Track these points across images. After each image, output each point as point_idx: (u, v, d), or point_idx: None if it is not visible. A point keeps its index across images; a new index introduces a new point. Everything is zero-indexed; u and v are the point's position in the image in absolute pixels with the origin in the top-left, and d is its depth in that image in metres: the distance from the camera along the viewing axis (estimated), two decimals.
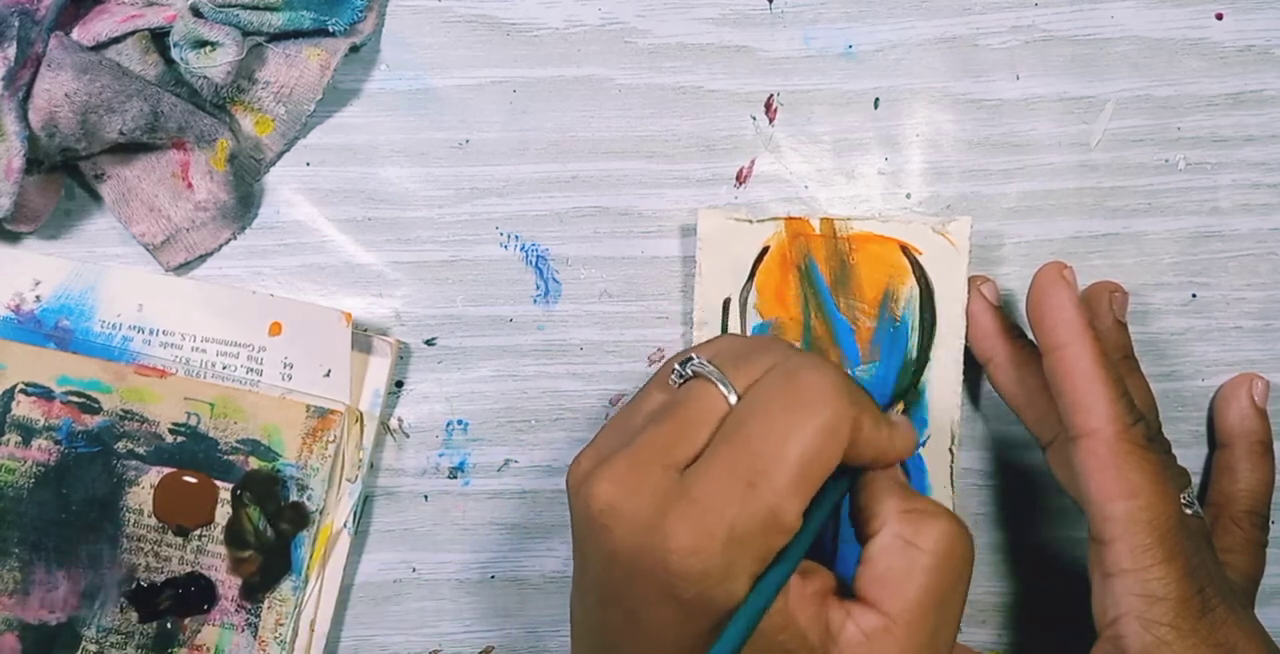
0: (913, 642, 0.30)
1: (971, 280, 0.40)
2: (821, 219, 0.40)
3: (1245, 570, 0.39)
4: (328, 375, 0.40)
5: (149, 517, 0.40)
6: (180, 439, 0.40)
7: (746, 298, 0.41)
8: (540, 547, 0.42)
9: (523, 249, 0.42)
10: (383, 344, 0.41)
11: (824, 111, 0.42)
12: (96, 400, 0.40)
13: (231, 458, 0.40)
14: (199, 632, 0.40)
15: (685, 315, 0.42)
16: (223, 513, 0.40)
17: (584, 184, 0.42)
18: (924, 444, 0.40)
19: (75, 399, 0.40)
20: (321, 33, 0.41)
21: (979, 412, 0.42)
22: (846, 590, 0.32)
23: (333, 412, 0.40)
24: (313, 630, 0.41)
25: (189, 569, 0.41)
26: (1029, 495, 0.42)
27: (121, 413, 0.40)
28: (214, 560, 0.41)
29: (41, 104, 0.38)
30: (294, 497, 0.41)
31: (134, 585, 0.40)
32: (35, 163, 0.39)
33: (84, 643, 0.40)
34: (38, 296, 0.41)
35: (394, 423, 0.42)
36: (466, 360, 0.42)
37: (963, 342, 0.40)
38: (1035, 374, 0.39)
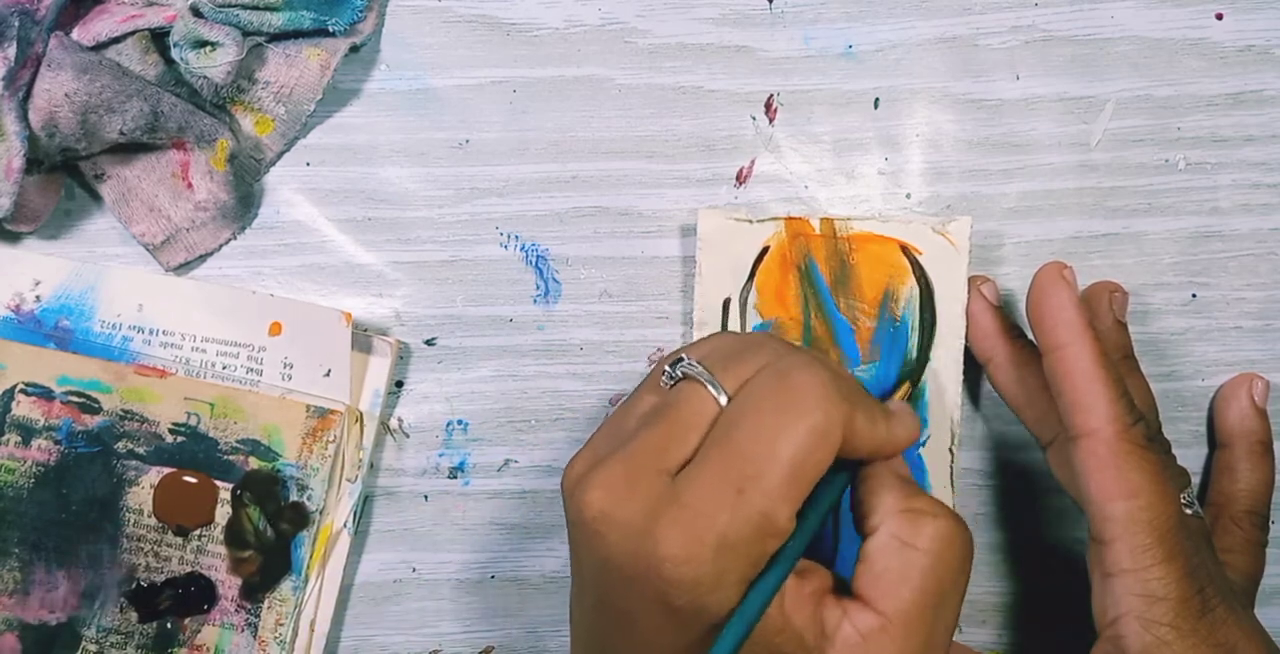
0: (909, 642, 0.30)
1: (971, 280, 0.40)
2: (821, 219, 0.40)
3: (1245, 570, 0.39)
4: (328, 375, 0.40)
5: (149, 517, 0.40)
6: (180, 439, 0.40)
7: (746, 298, 0.41)
8: (540, 547, 0.42)
9: (523, 249, 0.42)
10: (383, 344, 0.41)
11: (824, 111, 0.42)
12: (96, 400, 0.40)
13: (231, 458, 0.40)
14: (199, 632, 0.40)
15: (685, 315, 0.42)
16: (223, 513, 0.40)
17: (584, 184, 0.42)
18: (924, 444, 0.40)
19: (75, 399, 0.40)
20: (321, 33, 0.41)
21: (979, 412, 0.42)
22: (844, 589, 0.32)
23: (333, 412, 0.40)
24: (313, 630, 0.41)
25: (189, 569, 0.41)
26: (1029, 495, 0.42)
27: (121, 413, 0.40)
28: (214, 560, 0.41)
29: (41, 104, 0.38)
30: (294, 497, 0.41)
31: (134, 585, 0.40)
32: (35, 163, 0.39)
33: (84, 643, 0.40)
34: (38, 296, 0.41)
35: (394, 423, 0.42)
36: (466, 360, 0.42)
37: (963, 341, 0.40)
38: (1035, 374, 0.39)
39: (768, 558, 0.30)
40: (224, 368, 0.41)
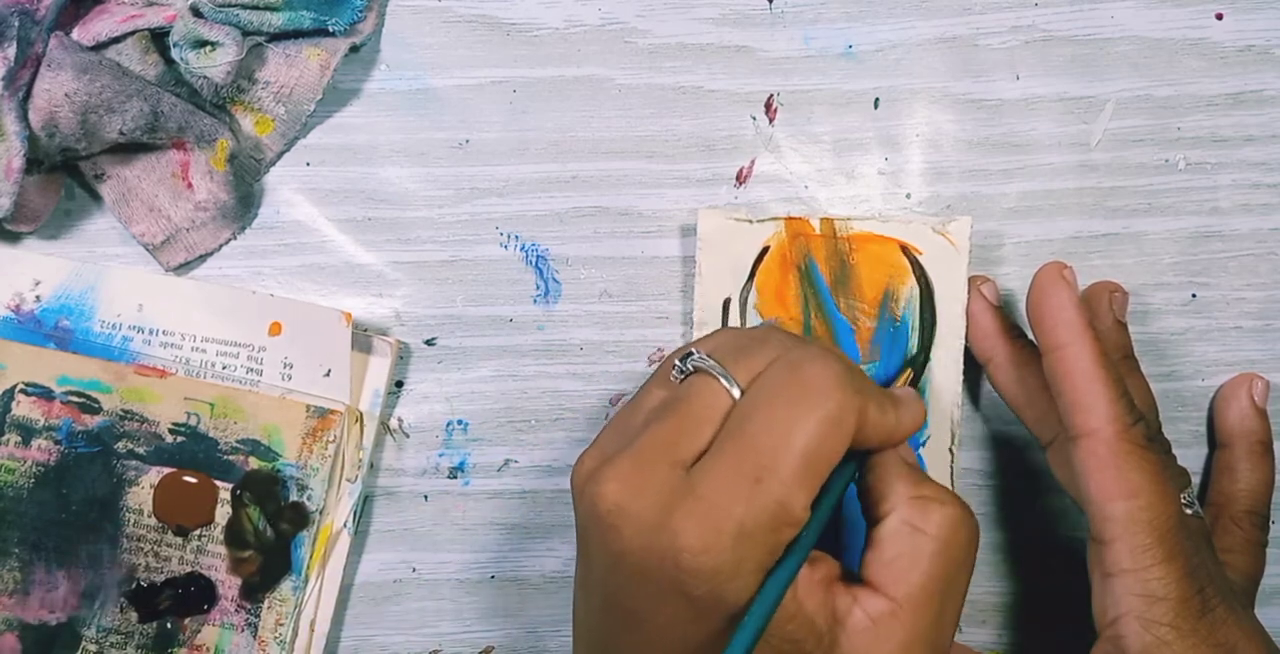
0: (918, 626, 0.31)
1: (971, 280, 0.40)
2: (821, 219, 0.40)
3: (1245, 570, 0.39)
4: (328, 375, 0.40)
5: (149, 517, 0.40)
6: (180, 439, 0.40)
7: (746, 298, 0.41)
8: (540, 547, 0.42)
9: (523, 249, 0.42)
10: (383, 344, 0.41)
11: (824, 111, 0.42)
12: (96, 400, 0.40)
13: (231, 458, 0.40)
14: (199, 632, 0.40)
15: (685, 315, 0.42)
16: (223, 513, 0.40)
17: (584, 184, 0.42)
18: (924, 444, 0.40)
19: (75, 399, 0.40)
20: (321, 33, 0.41)
21: (979, 412, 0.42)
22: (850, 577, 0.32)
23: (333, 412, 0.40)
24: (313, 630, 0.41)
25: (189, 569, 0.41)
26: (1029, 495, 0.42)
27: (121, 413, 0.40)
28: (214, 560, 0.41)
29: (41, 104, 0.38)
30: (294, 497, 0.41)
31: (134, 585, 0.40)
32: (35, 163, 0.39)
33: (84, 643, 0.40)
34: (38, 296, 0.41)
35: (394, 423, 0.42)
36: (466, 360, 0.42)
37: (963, 341, 0.40)
38: (1035, 374, 0.39)
39: (783, 547, 0.30)
40: (224, 368, 0.41)
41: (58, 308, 0.41)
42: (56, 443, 0.40)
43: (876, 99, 0.42)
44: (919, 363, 0.40)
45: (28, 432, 0.40)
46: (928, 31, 0.42)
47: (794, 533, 0.30)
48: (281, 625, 0.41)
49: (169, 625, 0.40)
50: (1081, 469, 0.34)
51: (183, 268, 0.42)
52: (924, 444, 0.40)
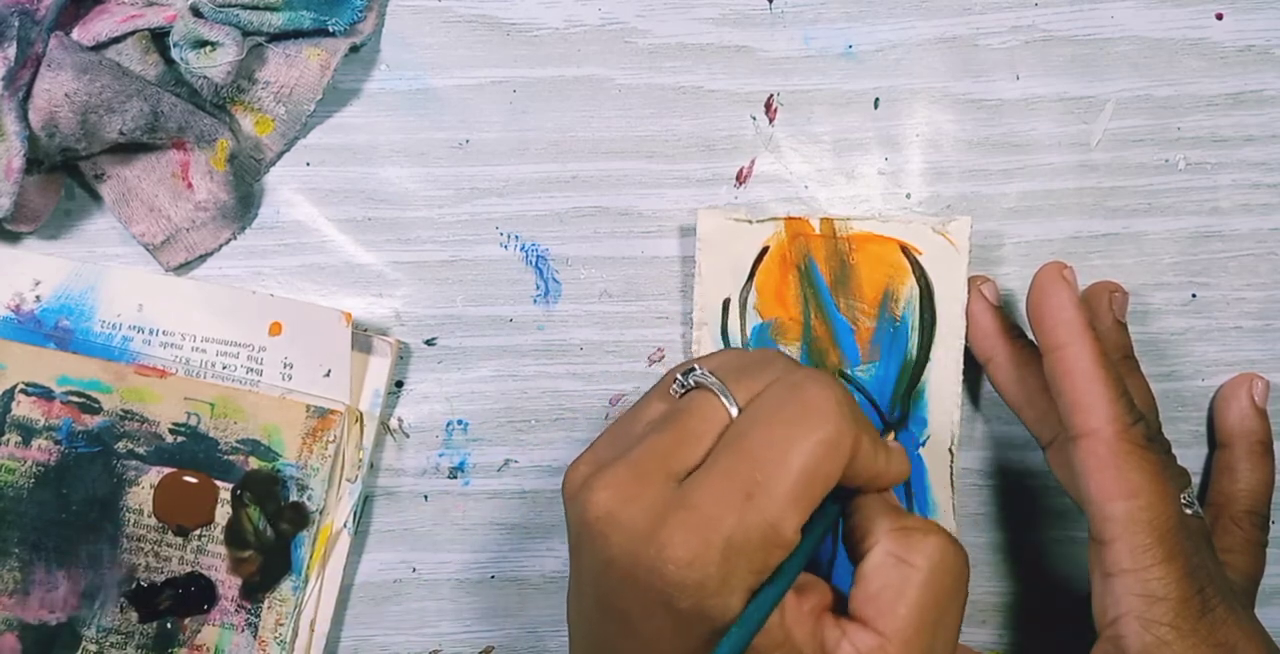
0: None
1: (971, 280, 0.40)
2: (821, 219, 0.40)
3: (1245, 570, 0.39)
4: (328, 375, 0.40)
5: (149, 517, 0.40)
6: (180, 439, 0.40)
7: (746, 298, 0.41)
8: (540, 547, 0.42)
9: (523, 249, 0.42)
10: (383, 344, 0.41)
11: (824, 111, 0.42)
12: (96, 400, 0.40)
13: (231, 458, 0.40)
14: (199, 632, 0.40)
15: (685, 315, 0.42)
16: (223, 513, 0.40)
17: (584, 184, 0.42)
18: (924, 444, 0.40)
19: (75, 399, 0.40)
20: (321, 33, 0.41)
21: (979, 412, 0.42)
22: (844, 606, 0.32)
23: (333, 412, 0.40)
24: (313, 630, 0.41)
25: (189, 569, 0.41)
26: (1029, 495, 0.42)
27: (121, 413, 0.40)
28: (214, 560, 0.41)
29: (41, 104, 0.38)
30: (294, 497, 0.41)
31: (134, 585, 0.40)
32: (35, 163, 0.39)
33: (84, 643, 0.40)
34: (38, 296, 0.41)
35: (394, 423, 0.42)
36: (466, 360, 0.42)
37: (963, 341, 0.40)
38: (1035, 374, 0.39)
39: (772, 569, 0.30)
40: (224, 368, 0.41)
41: (58, 308, 0.41)
42: (56, 443, 0.40)
43: (876, 99, 0.42)
44: (919, 364, 0.40)
45: (28, 432, 0.40)
46: (928, 31, 0.42)
47: (783, 555, 0.30)
48: (281, 625, 0.41)
49: (169, 625, 0.40)
50: (1081, 469, 0.34)
51: (183, 268, 0.42)
52: (924, 444, 0.40)
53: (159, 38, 0.40)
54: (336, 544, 0.41)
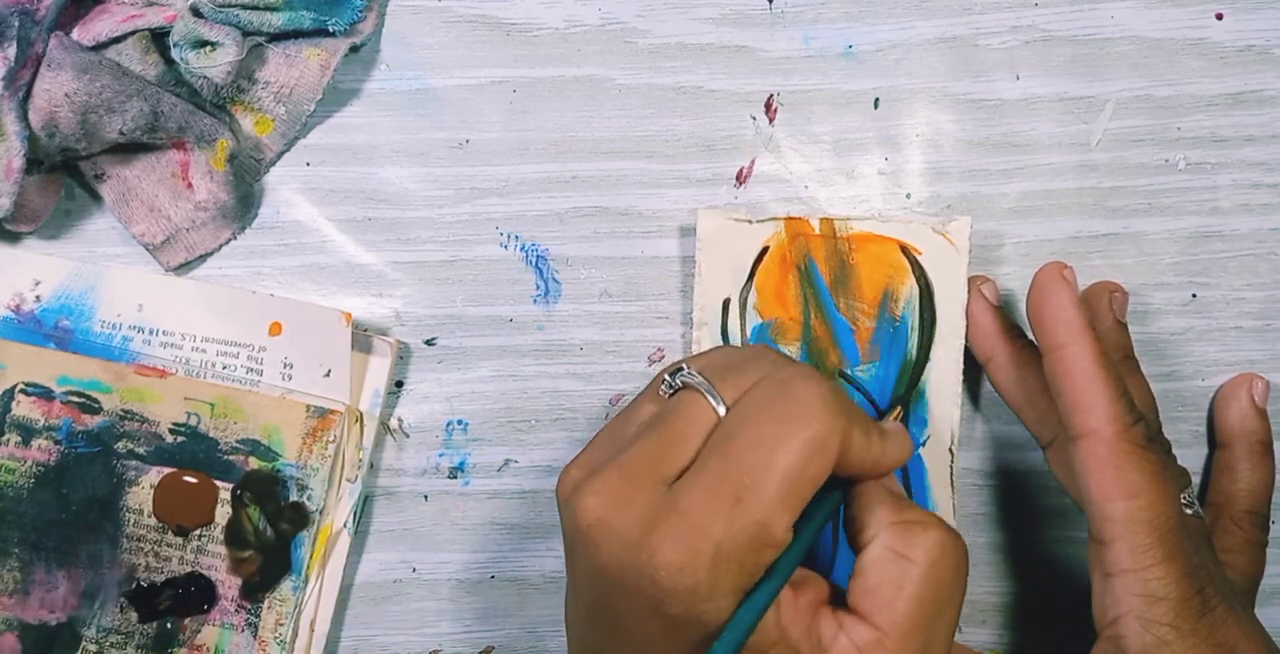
0: None
1: (971, 280, 0.40)
2: (821, 219, 0.40)
3: (1245, 570, 0.39)
4: (328, 375, 0.40)
5: (149, 517, 0.40)
6: (180, 439, 0.40)
7: (746, 298, 0.41)
8: (540, 547, 0.42)
9: (523, 249, 0.42)
10: (383, 344, 0.41)
11: (824, 111, 0.42)
12: (96, 400, 0.40)
13: (231, 458, 0.40)
14: (199, 632, 0.40)
15: (685, 315, 0.42)
16: (223, 513, 0.40)
17: (584, 184, 0.42)
18: (924, 444, 0.40)
19: (75, 399, 0.40)
20: (321, 33, 0.41)
21: (979, 412, 0.42)
22: (843, 598, 0.32)
23: (333, 412, 0.40)
24: (313, 630, 0.41)
25: (189, 569, 0.41)
26: (1029, 495, 0.42)
27: (121, 413, 0.40)
28: (214, 560, 0.41)
29: (41, 104, 0.38)
30: (294, 497, 0.41)
31: (134, 585, 0.40)
32: (35, 163, 0.39)
33: (84, 643, 0.40)
34: (38, 296, 0.41)
35: (394, 423, 0.42)
36: (466, 360, 0.42)
37: (963, 341, 0.40)
38: (1035, 374, 0.39)
39: (764, 569, 0.30)
40: (224, 368, 0.41)
41: (58, 308, 0.41)
42: (56, 443, 0.40)
43: (876, 99, 0.42)
44: (919, 364, 0.40)
45: (28, 432, 0.40)
46: (928, 31, 0.42)
47: (775, 555, 0.30)
48: (281, 625, 0.41)
49: (169, 625, 0.40)
50: (1081, 469, 0.34)
51: (183, 268, 0.42)
52: (924, 444, 0.40)
53: (159, 38, 0.40)
54: (336, 544, 0.41)
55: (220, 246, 0.42)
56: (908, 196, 0.42)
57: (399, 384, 0.42)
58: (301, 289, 0.42)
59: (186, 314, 0.41)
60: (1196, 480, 0.42)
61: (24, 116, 0.38)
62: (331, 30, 0.40)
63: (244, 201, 0.41)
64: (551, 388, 0.42)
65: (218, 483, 0.40)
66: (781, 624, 0.30)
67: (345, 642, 0.42)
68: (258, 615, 0.40)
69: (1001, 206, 0.42)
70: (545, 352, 0.42)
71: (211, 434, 0.40)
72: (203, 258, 0.42)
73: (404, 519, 0.42)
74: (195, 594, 0.40)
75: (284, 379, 0.41)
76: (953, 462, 0.40)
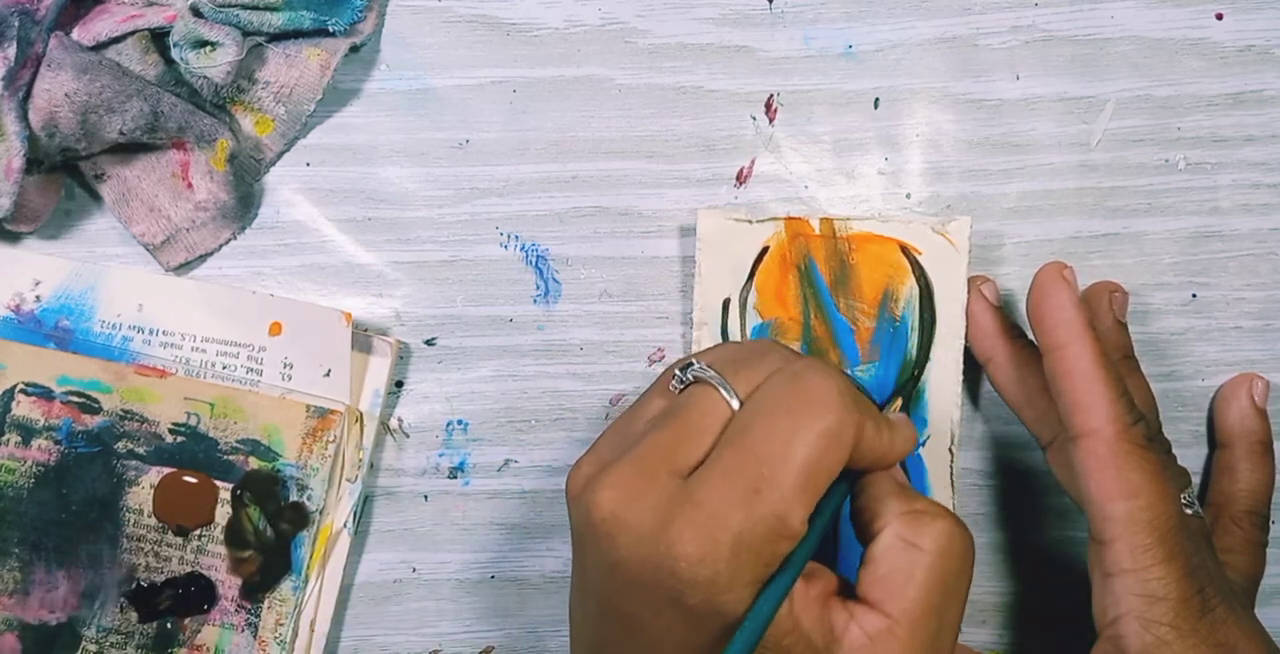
0: (916, 642, 0.30)
1: (971, 280, 0.40)
2: (821, 219, 0.40)
3: (1245, 570, 0.39)
4: (328, 375, 0.40)
5: (149, 517, 0.40)
6: (180, 439, 0.40)
7: (746, 298, 0.41)
8: (540, 547, 0.42)
9: (523, 249, 0.42)
10: (383, 344, 0.41)
11: (824, 111, 0.42)
12: (96, 400, 0.40)
13: (231, 458, 0.40)
14: (199, 632, 0.40)
15: (685, 315, 0.42)
16: (223, 513, 0.40)
17: (584, 184, 0.42)
18: (924, 444, 0.40)
19: (75, 399, 0.40)
20: (321, 33, 0.41)
21: (979, 412, 0.42)
22: (849, 590, 0.32)
23: (333, 412, 0.40)
24: (313, 630, 0.41)
25: (189, 569, 0.41)
26: (1029, 495, 0.42)
27: (121, 413, 0.40)
28: (214, 560, 0.41)
29: (41, 104, 0.38)
30: (294, 497, 0.41)
31: (134, 585, 0.40)
32: (35, 163, 0.39)
33: (84, 643, 0.40)
34: (38, 296, 0.41)
35: (394, 423, 0.42)
36: (466, 360, 0.42)
37: (962, 342, 0.40)
38: (1035, 374, 0.39)
39: (780, 560, 0.30)
40: (224, 368, 0.41)
41: (58, 308, 0.41)
42: (56, 443, 0.40)
43: (876, 99, 0.42)
44: (919, 364, 0.40)
45: (28, 432, 0.40)
46: (928, 31, 0.42)
47: (791, 546, 0.30)
48: (281, 625, 0.41)
49: (169, 625, 0.40)
50: (1081, 469, 0.34)
51: (183, 268, 0.42)
52: (924, 444, 0.40)
53: (159, 38, 0.40)
54: (336, 544, 0.41)
55: (220, 246, 0.42)
56: (908, 196, 0.42)
57: (399, 384, 0.42)
58: (301, 289, 0.42)
59: (186, 314, 0.41)
60: (1196, 480, 0.42)
61: (24, 116, 0.38)
62: (331, 30, 0.40)
63: (244, 201, 0.41)
64: (551, 388, 0.42)
65: (218, 483, 0.40)
66: (795, 614, 0.30)
67: (345, 642, 0.42)
68: (258, 615, 0.41)
69: (1001, 206, 0.42)
70: (545, 352, 0.42)
71: (211, 434, 0.40)
72: (203, 258, 0.42)
73: (404, 519, 0.42)
74: (195, 594, 0.40)
75: (284, 379, 0.41)
76: (953, 462, 0.40)
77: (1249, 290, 0.42)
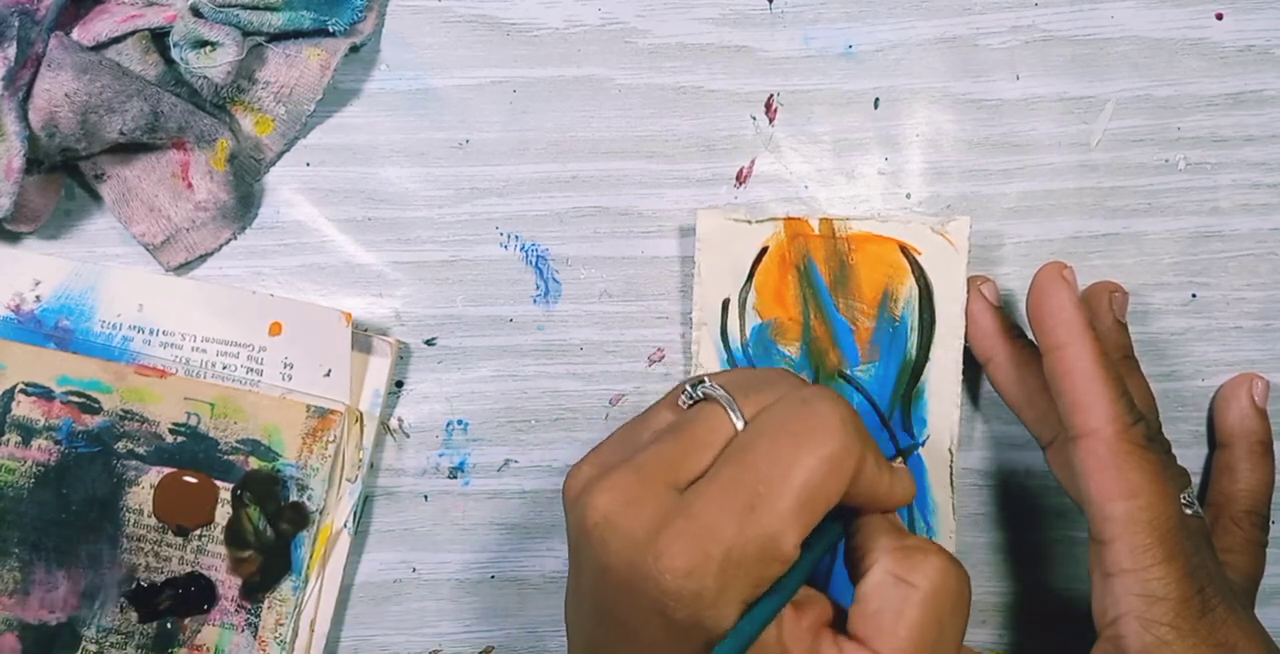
0: None
1: (971, 280, 0.40)
2: (820, 219, 0.40)
3: (1245, 570, 0.39)
4: (328, 375, 0.40)
5: (149, 517, 0.40)
6: (180, 439, 0.40)
7: (746, 298, 0.41)
8: (540, 547, 0.42)
9: (523, 249, 0.42)
10: (383, 344, 0.41)
11: (824, 111, 0.42)
12: (96, 400, 0.40)
13: (231, 458, 0.40)
14: (199, 632, 0.40)
15: (685, 315, 0.42)
16: (223, 513, 0.41)
17: (584, 184, 0.42)
18: (924, 444, 0.40)
19: (75, 399, 0.40)
20: (321, 33, 0.41)
21: (979, 412, 0.42)
22: (843, 621, 0.31)
23: (333, 412, 0.40)
24: (313, 630, 0.41)
25: (189, 569, 0.41)
26: (1029, 495, 0.42)
27: (121, 413, 0.40)
28: (214, 560, 0.41)
29: (41, 104, 0.38)
30: (294, 497, 0.41)
31: (134, 585, 0.40)
32: (35, 163, 0.39)
33: (84, 643, 0.40)
34: (38, 296, 0.41)
35: (394, 423, 0.42)
36: (466, 360, 0.42)
37: (962, 342, 0.40)
38: (1035, 374, 0.39)
39: (769, 583, 0.30)
40: (224, 368, 0.41)
41: (58, 308, 0.41)
42: (56, 443, 0.40)
43: (876, 99, 0.42)
44: (918, 364, 0.40)
45: (28, 432, 0.40)
46: (928, 31, 0.42)
47: (782, 570, 0.30)
48: (281, 625, 0.41)
49: (169, 625, 0.40)
50: (1081, 469, 0.34)
51: (183, 268, 0.42)
52: (924, 444, 0.40)
53: (159, 38, 0.40)
54: (336, 544, 0.41)
55: (220, 246, 0.42)
56: (908, 196, 0.42)
57: (399, 384, 0.42)
58: (301, 289, 0.42)
59: (186, 314, 0.41)
60: (1196, 480, 0.42)
61: (24, 116, 0.38)
62: (331, 30, 0.40)
63: (244, 201, 0.41)
64: (551, 388, 0.42)
65: (218, 483, 0.40)
66: (783, 642, 0.30)
67: (345, 642, 0.42)
68: (258, 615, 0.41)
69: (1001, 206, 0.42)
70: (545, 352, 0.42)
71: (211, 434, 0.40)
72: (203, 258, 0.42)
73: (404, 519, 0.42)
74: (195, 594, 0.40)
75: (284, 379, 0.41)
76: (952, 462, 0.40)
77: (1249, 290, 0.42)
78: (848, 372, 0.40)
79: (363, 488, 0.41)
